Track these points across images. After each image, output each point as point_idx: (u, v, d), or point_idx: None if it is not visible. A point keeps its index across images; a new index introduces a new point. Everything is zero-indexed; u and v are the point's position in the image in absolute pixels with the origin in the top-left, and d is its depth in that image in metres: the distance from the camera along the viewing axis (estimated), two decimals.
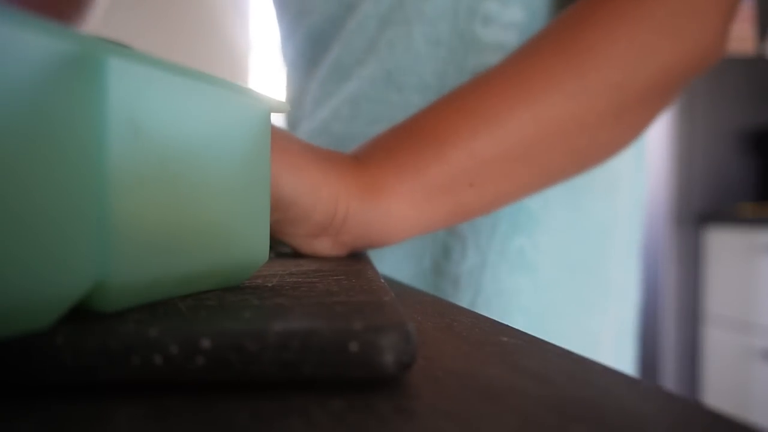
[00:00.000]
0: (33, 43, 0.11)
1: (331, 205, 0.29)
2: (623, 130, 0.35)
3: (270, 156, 0.20)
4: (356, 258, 0.29)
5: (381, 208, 0.30)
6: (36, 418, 0.11)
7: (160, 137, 0.14)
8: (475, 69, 0.42)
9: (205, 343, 0.12)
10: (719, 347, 1.71)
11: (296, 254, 0.31)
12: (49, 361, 0.12)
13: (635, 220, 0.49)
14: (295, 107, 0.54)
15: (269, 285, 0.18)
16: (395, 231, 0.31)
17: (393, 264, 0.46)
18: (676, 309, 1.79)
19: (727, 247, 1.70)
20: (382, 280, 0.20)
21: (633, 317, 0.50)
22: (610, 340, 0.45)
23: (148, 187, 0.14)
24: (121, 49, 0.13)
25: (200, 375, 0.12)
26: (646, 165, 0.52)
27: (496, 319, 0.41)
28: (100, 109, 0.13)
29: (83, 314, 0.13)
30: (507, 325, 0.19)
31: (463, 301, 0.43)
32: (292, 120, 0.55)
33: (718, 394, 1.70)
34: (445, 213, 0.32)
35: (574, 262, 0.43)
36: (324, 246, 0.31)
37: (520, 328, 0.41)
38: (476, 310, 0.42)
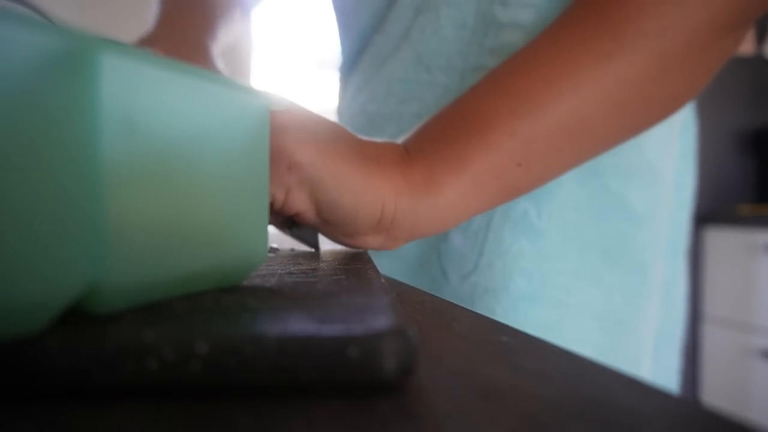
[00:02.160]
0: (24, 39, 0.11)
1: (376, 207, 0.30)
2: (675, 83, 0.34)
3: (267, 153, 0.20)
4: (356, 257, 0.29)
5: (429, 201, 0.31)
6: (35, 420, 0.11)
7: (155, 135, 0.14)
8: (492, 46, 0.43)
9: (201, 347, 0.12)
10: (718, 346, 1.71)
11: (296, 252, 0.31)
12: (42, 365, 0.11)
13: (681, 224, 0.49)
14: (342, 97, 0.57)
15: (268, 285, 0.18)
16: (445, 221, 0.32)
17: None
18: None
19: (725, 247, 1.70)
20: (383, 280, 0.20)
21: (679, 326, 0.49)
22: (649, 340, 0.45)
23: (143, 185, 0.14)
24: (114, 45, 0.13)
25: (196, 380, 0.12)
26: (694, 170, 0.51)
27: (497, 280, 0.42)
28: (94, 106, 0.12)
29: (77, 316, 0.13)
30: (507, 325, 0.19)
31: (469, 263, 0.43)
32: (340, 111, 0.58)
33: (716, 392, 1.70)
34: (493, 195, 0.33)
35: (588, 240, 0.42)
36: (376, 241, 0.32)
37: (520, 292, 0.41)
38: (479, 272, 0.43)
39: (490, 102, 0.33)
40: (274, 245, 0.35)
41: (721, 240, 1.72)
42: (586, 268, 0.42)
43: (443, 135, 0.33)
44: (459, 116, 0.33)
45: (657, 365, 0.47)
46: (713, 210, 1.82)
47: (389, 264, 0.48)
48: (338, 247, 0.35)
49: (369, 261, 0.28)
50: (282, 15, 1.88)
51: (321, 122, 0.32)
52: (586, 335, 0.42)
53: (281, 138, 0.29)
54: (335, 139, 0.31)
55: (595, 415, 0.12)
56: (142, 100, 0.14)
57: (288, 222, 0.32)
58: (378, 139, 0.33)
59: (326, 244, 0.35)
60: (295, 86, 1.86)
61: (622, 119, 0.34)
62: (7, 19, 0.10)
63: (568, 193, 0.42)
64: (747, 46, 1.86)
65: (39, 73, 0.11)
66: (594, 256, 0.43)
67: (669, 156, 0.46)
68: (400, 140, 0.34)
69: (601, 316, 0.43)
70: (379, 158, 0.31)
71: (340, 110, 0.57)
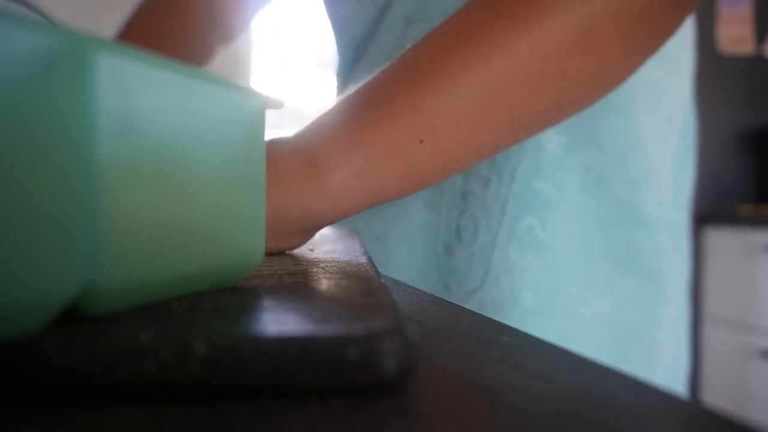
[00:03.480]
0: (19, 39, 0.11)
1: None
2: (600, 55, 0.30)
3: (263, 153, 0.19)
4: (357, 257, 0.29)
5: (313, 187, 0.29)
6: (33, 422, 0.11)
7: (151, 135, 0.14)
8: None
9: (200, 348, 0.12)
10: (718, 347, 1.71)
11: (296, 253, 0.31)
12: (40, 366, 0.11)
13: (681, 226, 0.48)
14: None
15: (267, 286, 0.18)
16: (340, 204, 0.29)
17: (408, 250, 0.47)
18: None
19: (726, 247, 1.70)
20: (383, 280, 0.20)
21: (681, 326, 0.49)
22: (663, 347, 0.44)
23: (139, 186, 0.14)
24: (111, 45, 0.13)
25: (195, 381, 0.12)
26: (692, 170, 0.51)
27: (505, 295, 0.42)
28: (89, 106, 0.12)
29: (75, 318, 0.13)
30: (507, 325, 0.19)
31: (475, 280, 0.43)
32: None
33: (716, 393, 1.70)
34: (396, 177, 0.30)
35: (596, 249, 0.42)
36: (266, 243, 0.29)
37: (528, 305, 0.42)
38: (486, 288, 0.43)
39: (390, 77, 0.30)
40: None
41: (722, 240, 1.72)
42: (596, 276, 0.42)
43: (334, 116, 0.30)
44: (355, 96, 0.31)
45: (669, 369, 0.47)
46: (713, 210, 1.82)
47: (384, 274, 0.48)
48: (337, 247, 0.34)
49: (369, 261, 0.27)
50: (282, 15, 1.88)
51: None
52: (599, 344, 0.42)
53: None
54: None
55: (595, 415, 0.12)
56: (138, 100, 0.14)
57: None
58: None
59: (325, 244, 0.35)
60: (295, 86, 1.86)
61: (542, 93, 0.30)
62: (3, 19, 0.10)
63: (572, 204, 0.42)
64: (747, 46, 1.86)
65: (35, 73, 0.11)
66: (604, 264, 0.42)
67: (667, 156, 0.45)
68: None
69: (614, 324, 0.42)
70: None
71: None
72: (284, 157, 0.29)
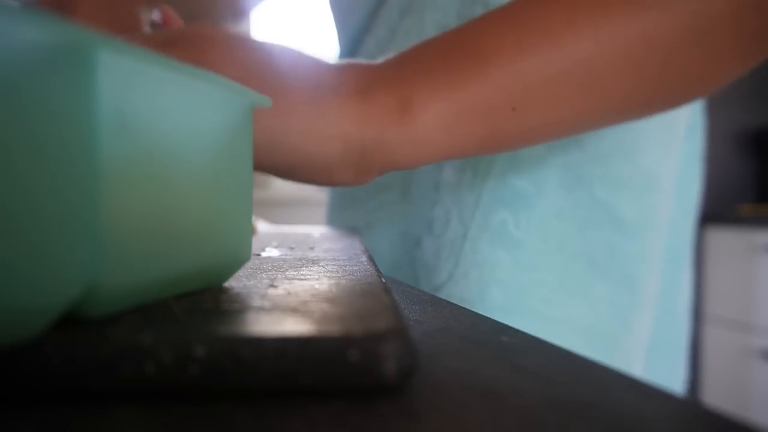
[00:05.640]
0: (18, 34, 0.11)
1: (333, 145, 0.27)
2: (703, 61, 0.29)
3: (251, 152, 0.19)
4: (357, 256, 0.29)
5: (404, 130, 0.28)
6: (32, 424, 0.11)
7: (149, 134, 0.14)
8: None
9: (199, 350, 0.12)
10: (718, 347, 1.71)
11: (296, 253, 0.31)
12: (40, 369, 0.11)
13: (684, 230, 0.48)
14: None
15: (267, 286, 0.18)
16: (421, 155, 0.29)
17: (389, 242, 0.47)
18: None
19: (726, 248, 1.70)
20: (383, 280, 0.20)
21: (682, 337, 0.48)
22: (636, 354, 0.44)
23: (138, 185, 0.14)
24: (111, 41, 0.12)
25: (195, 383, 0.12)
26: (700, 177, 0.50)
27: (473, 291, 0.42)
28: (91, 105, 0.12)
29: (74, 319, 0.13)
30: (507, 325, 0.19)
31: (443, 272, 0.43)
32: None
33: (717, 393, 1.70)
34: (479, 137, 0.29)
35: (573, 250, 0.41)
36: (344, 177, 0.29)
37: (497, 303, 0.41)
38: (454, 282, 0.42)
39: (498, 31, 0.29)
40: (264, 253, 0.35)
41: (722, 240, 1.72)
42: (570, 279, 0.41)
43: (433, 59, 0.29)
44: (458, 41, 0.29)
45: (649, 377, 0.46)
46: (714, 210, 1.82)
47: None
48: (337, 246, 0.34)
49: (370, 260, 0.27)
50: (282, 15, 1.88)
51: (266, 49, 0.28)
52: (574, 349, 0.41)
53: (200, 55, 0.26)
54: (279, 68, 0.28)
55: (595, 415, 0.12)
56: (137, 98, 0.13)
57: None
58: (343, 61, 0.29)
59: (325, 243, 0.35)
60: None
61: (637, 85, 0.29)
62: (3, 13, 0.10)
63: (550, 203, 0.41)
64: None
65: (34, 70, 0.11)
66: (579, 267, 0.41)
67: (670, 162, 0.44)
68: (380, 60, 0.30)
69: (587, 329, 0.41)
70: (336, 88, 0.28)
71: None
72: (376, 92, 0.28)
